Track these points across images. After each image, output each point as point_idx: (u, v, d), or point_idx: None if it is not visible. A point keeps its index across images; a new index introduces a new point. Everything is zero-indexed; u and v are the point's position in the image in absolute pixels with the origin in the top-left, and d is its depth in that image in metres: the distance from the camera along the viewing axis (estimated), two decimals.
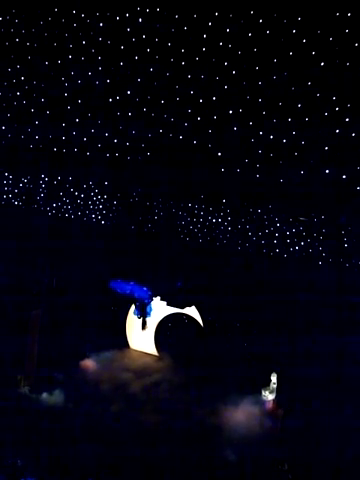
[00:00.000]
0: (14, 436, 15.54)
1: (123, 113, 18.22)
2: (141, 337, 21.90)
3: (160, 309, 21.36)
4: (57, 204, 21.11)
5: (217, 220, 18.76)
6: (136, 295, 21.00)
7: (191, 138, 17.53)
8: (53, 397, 18.42)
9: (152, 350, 21.59)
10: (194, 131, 17.50)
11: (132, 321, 21.98)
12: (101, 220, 20.82)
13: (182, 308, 20.73)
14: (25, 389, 18.98)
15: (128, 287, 20.95)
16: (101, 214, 20.78)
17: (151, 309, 21.35)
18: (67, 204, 21.00)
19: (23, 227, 20.32)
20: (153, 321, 21.62)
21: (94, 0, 17.07)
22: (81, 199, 20.77)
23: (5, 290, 19.34)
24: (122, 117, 18.24)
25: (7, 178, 21.46)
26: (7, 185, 21.50)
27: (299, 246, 17.43)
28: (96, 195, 20.67)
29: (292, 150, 16.39)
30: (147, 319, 21.41)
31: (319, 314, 17.42)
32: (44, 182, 20.96)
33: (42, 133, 19.49)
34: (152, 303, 21.15)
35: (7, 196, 21.62)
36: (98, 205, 20.71)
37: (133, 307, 21.64)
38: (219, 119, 17.04)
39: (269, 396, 17.34)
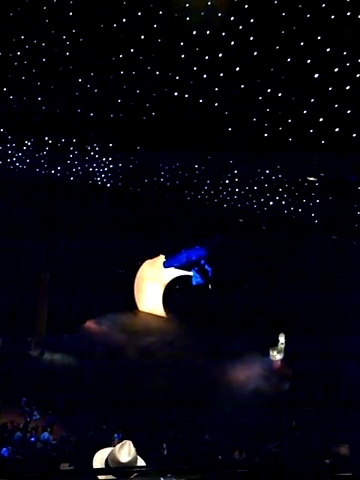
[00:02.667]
0: (27, 396, 15.97)
1: (126, 71, 17.67)
2: (149, 299, 22.04)
3: (168, 272, 21.38)
4: (62, 167, 20.83)
5: (224, 181, 18.45)
6: (194, 257, 19.87)
7: (196, 97, 17.06)
8: (62, 358, 18.79)
9: (160, 311, 21.76)
10: (199, 90, 17.00)
11: (140, 283, 22.07)
12: (106, 183, 20.59)
13: (189, 270, 20.72)
14: (36, 351, 19.34)
15: (182, 256, 20.06)
16: (107, 176, 20.53)
17: (210, 268, 20.51)
18: (71, 167, 20.72)
19: (29, 192, 20.16)
20: (161, 283, 21.70)
21: None
22: (86, 162, 20.46)
23: (14, 255, 19.38)
24: (126, 76, 17.71)
25: (10, 141, 21.10)
26: (10, 149, 21.17)
27: (308, 207, 17.19)
28: (101, 157, 20.35)
29: (301, 108, 15.93)
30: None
31: (328, 274, 17.35)
32: (47, 145, 20.62)
33: (44, 95, 19.02)
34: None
35: (11, 160, 21.32)
36: (103, 167, 20.42)
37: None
38: (225, 77, 16.51)
39: (277, 356, 17.55)
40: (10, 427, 14.51)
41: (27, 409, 15.50)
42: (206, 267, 19.72)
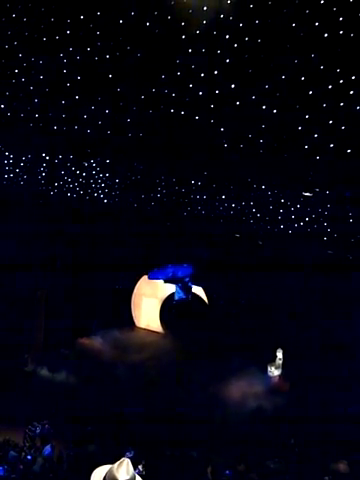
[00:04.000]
0: (24, 413, 15.79)
1: (123, 89, 17.87)
2: (146, 315, 21.94)
3: (166, 287, 21.33)
4: (59, 183, 20.91)
5: (220, 197, 18.57)
6: (180, 274, 20.37)
7: (192, 114, 17.25)
8: (59, 374, 18.60)
9: (158, 328, 21.64)
10: (195, 107, 17.19)
11: (137, 299, 21.98)
12: (104, 199, 20.66)
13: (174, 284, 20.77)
14: (32, 367, 19.15)
15: (169, 271, 20.39)
16: (104, 192, 20.61)
17: (192, 285, 20.74)
18: (69, 183, 20.80)
19: (25, 208, 20.17)
20: (159, 299, 21.63)
21: None
22: (83, 178, 20.56)
23: (10, 271, 19.31)
24: (123, 94, 17.91)
25: (8, 157, 21.19)
26: (8, 165, 21.26)
27: (304, 222, 17.27)
28: (98, 173, 20.46)
29: (295, 124, 16.11)
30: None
31: (324, 290, 17.37)
32: (45, 161, 20.72)
33: (42, 111, 19.17)
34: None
35: (8, 176, 21.40)
36: (100, 183, 20.52)
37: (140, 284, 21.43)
38: (220, 94, 16.72)
39: (275, 372, 17.41)
40: (6, 446, 14.33)
41: (33, 428, 15.28)
42: (189, 284, 20.25)
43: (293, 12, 15.09)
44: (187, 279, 20.20)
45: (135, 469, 3.31)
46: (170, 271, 20.23)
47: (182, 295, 20.44)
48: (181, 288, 20.36)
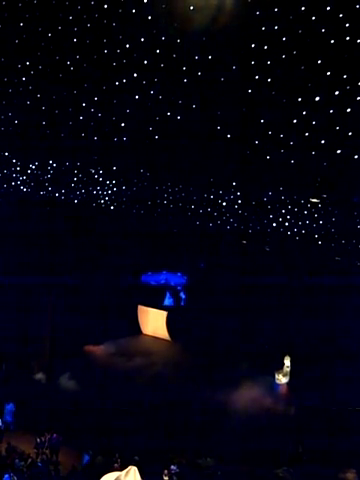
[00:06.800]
0: (31, 421, 15.79)
1: (130, 96, 17.89)
2: (153, 322, 21.91)
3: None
4: (66, 190, 20.96)
5: (228, 203, 18.51)
6: (172, 283, 20.87)
7: (197, 119, 17.22)
8: (66, 381, 18.61)
9: (164, 335, 21.60)
10: (203, 113, 17.17)
11: (144, 306, 21.97)
12: (110, 205, 20.68)
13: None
14: (40, 375, 19.18)
15: (162, 277, 20.86)
16: (110, 199, 20.63)
17: (185, 295, 21.19)
18: (75, 190, 20.84)
19: (33, 214, 20.26)
20: (165, 306, 21.60)
21: None
22: (89, 185, 20.60)
23: (17, 279, 19.35)
24: (130, 100, 17.92)
25: (15, 165, 21.28)
26: (15, 172, 21.34)
27: (311, 228, 17.18)
28: (104, 180, 20.48)
29: (303, 130, 16.04)
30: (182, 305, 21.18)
31: (333, 296, 17.25)
32: (52, 168, 20.77)
33: (49, 119, 19.22)
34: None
35: (16, 183, 21.49)
36: (107, 190, 20.54)
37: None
38: (227, 100, 16.70)
39: (283, 379, 17.32)
40: (14, 454, 14.30)
41: (43, 438, 15.29)
42: (181, 294, 20.73)
43: (299, 19, 15.06)
44: (179, 287, 20.69)
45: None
46: (163, 278, 20.79)
47: (171, 302, 21.13)
48: (172, 295, 21.01)
